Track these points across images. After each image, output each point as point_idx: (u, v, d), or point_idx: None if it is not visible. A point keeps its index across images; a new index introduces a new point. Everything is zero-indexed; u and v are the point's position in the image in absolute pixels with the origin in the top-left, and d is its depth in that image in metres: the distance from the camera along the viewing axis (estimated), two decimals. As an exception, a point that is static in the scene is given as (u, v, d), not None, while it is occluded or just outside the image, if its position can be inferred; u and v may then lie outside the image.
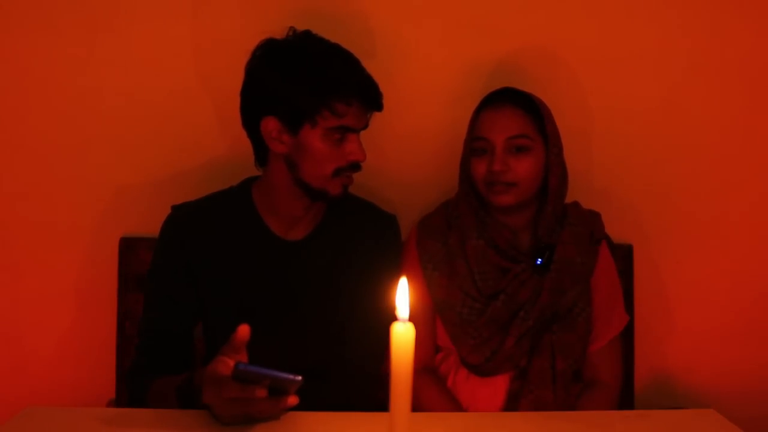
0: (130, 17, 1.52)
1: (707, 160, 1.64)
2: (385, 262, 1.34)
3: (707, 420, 1.11)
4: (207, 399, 1.00)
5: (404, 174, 1.62)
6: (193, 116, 1.56)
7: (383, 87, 1.26)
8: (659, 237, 1.66)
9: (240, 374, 0.92)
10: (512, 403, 1.33)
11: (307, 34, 1.26)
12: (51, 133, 1.56)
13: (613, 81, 1.59)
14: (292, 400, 0.96)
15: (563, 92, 1.57)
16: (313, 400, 1.02)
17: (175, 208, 1.33)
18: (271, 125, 1.23)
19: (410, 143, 1.60)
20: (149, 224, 1.42)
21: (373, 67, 1.26)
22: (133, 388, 1.26)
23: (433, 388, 1.37)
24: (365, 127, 1.27)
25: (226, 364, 0.96)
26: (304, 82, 1.19)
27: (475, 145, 1.37)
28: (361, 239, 1.35)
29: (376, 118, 1.29)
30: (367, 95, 1.23)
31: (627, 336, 1.54)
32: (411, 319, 0.80)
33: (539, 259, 1.35)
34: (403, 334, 0.79)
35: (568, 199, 1.43)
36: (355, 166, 1.27)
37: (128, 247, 1.55)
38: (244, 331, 0.99)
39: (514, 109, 1.35)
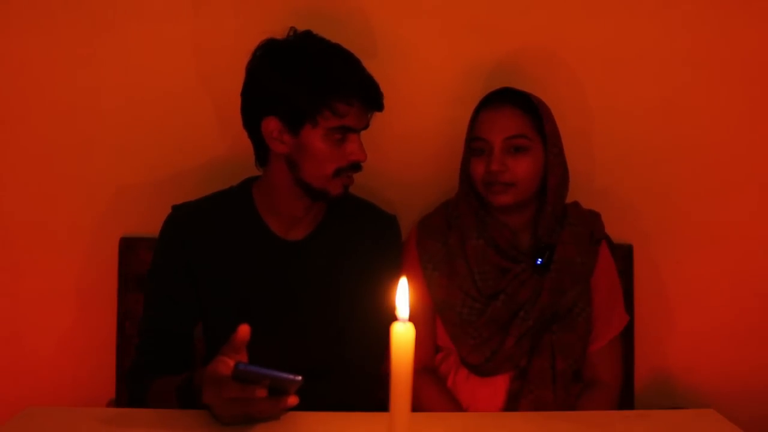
0: (130, 17, 1.52)
1: (707, 161, 1.64)
2: (385, 263, 1.34)
3: (707, 420, 1.11)
4: (207, 399, 1.00)
5: (404, 174, 1.61)
6: (193, 116, 1.56)
7: (383, 87, 1.26)
8: (659, 237, 1.66)
9: (240, 374, 0.92)
10: (512, 403, 1.33)
11: (308, 34, 1.26)
12: (51, 133, 1.56)
13: (613, 81, 1.59)
14: (292, 400, 0.96)
15: (563, 92, 1.56)
16: (313, 400, 1.02)
17: (176, 208, 1.33)
18: (271, 125, 1.23)
19: (410, 143, 1.60)
20: (149, 224, 1.42)
21: (373, 67, 1.27)
22: (133, 388, 1.26)
23: (433, 388, 1.37)
24: (366, 127, 1.27)
25: (226, 364, 0.96)
26: (304, 82, 1.19)
27: (473, 145, 1.37)
28: (361, 239, 1.35)
29: (377, 118, 1.29)
30: (367, 95, 1.23)
31: (627, 336, 1.54)
32: (411, 319, 0.80)
33: (539, 259, 1.35)
34: (403, 334, 0.79)
35: (569, 199, 1.43)
36: (356, 166, 1.27)
37: (128, 247, 1.55)
38: (244, 331, 0.99)
39: (513, 110, 1.35)
